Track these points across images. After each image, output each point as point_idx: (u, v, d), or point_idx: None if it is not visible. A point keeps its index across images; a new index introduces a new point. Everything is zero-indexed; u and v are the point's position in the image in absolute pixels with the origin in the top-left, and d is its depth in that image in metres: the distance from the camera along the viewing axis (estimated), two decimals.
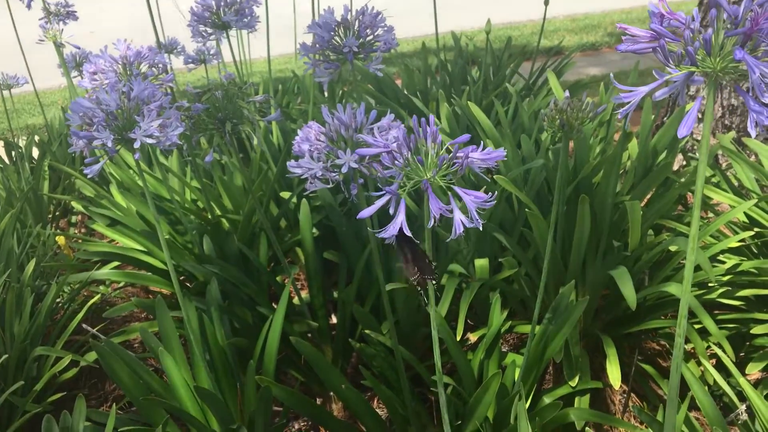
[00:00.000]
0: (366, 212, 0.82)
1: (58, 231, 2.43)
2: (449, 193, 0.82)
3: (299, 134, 1.09)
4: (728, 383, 1.40)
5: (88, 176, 1.20)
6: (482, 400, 1.29)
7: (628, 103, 0.75)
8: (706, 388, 1.51)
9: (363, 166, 1.04)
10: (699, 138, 2.42)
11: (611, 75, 0.81)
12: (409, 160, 0.82)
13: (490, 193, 0.79)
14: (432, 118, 0.85)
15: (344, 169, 1.02)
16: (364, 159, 1.02)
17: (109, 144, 1.14)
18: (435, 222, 0.81)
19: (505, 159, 0.85)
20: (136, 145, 1.15)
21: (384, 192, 0.82)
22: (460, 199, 0.80)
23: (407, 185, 0.82)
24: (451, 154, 0.82)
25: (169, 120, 1.21)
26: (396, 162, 0.84)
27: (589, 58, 5.05)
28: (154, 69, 1.65)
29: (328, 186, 1.08)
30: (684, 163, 2.34)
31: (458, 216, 0.80)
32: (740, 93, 0.70)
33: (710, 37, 0.69)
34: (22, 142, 2.91)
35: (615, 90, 2.09)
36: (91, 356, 1.72)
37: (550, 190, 1.87)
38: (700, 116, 2.46)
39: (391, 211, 0.83)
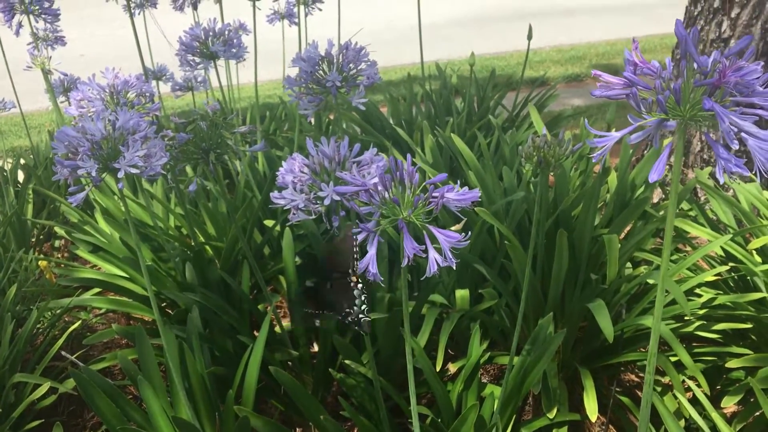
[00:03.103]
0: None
1: (41, 256, 2.43)
2: (424, 232, 0.84)
3: (284, 165, 1.11)
4: (703, 417, 1.42)
5: (73, 204, 1.21)
6: (460, 431, 1.30)
7: (603, 146, 0.78)
8: (683, 422, 1.53)
9: (345, 198, 1.06)
10: (653, 180, 2.46)
11: (585, 121, 0.83)
12: (386, 199, 0.84)
13: (463, 233, 0.81)
14: (409, 158, 0.87)
15: (326, 202, 1.04)
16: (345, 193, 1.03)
17: (93, 173, 1.16)
18: (409, 261, 0.82)
19: (480, 198, 0.87)
20: (120, 174, 1.17)
21: (361, 229, 0.84)
22: (434, 238, 0.82)
23: (383, 223, 0.84)
24: (428, 194, 0.84)
25: (154, 150, 1.22)
26: (373, 200, 0.86)
27: (573, 89, 5.13)
28: (141, 97, 1.67)
29: (311, 217, 1.10)
30: (663, 196, 2.38)
31: (432, 255, 0.82)
32: (709, 141, 0.73)
33: (680, 87, 0.72)
34: (7, 165, 2.91)
35: (594, 124, 2.13)
36: (70, 383, 1.71)
37: (531, 222, 1.89)
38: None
39: (368, 247, 0.85)
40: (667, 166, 2.47)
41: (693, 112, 0.70)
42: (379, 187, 0.85)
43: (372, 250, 0.83)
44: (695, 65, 0.73)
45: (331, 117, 3.00)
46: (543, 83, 4.29)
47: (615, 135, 0.72)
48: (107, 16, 8.19)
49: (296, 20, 3.02)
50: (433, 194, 0.84)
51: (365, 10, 7.93)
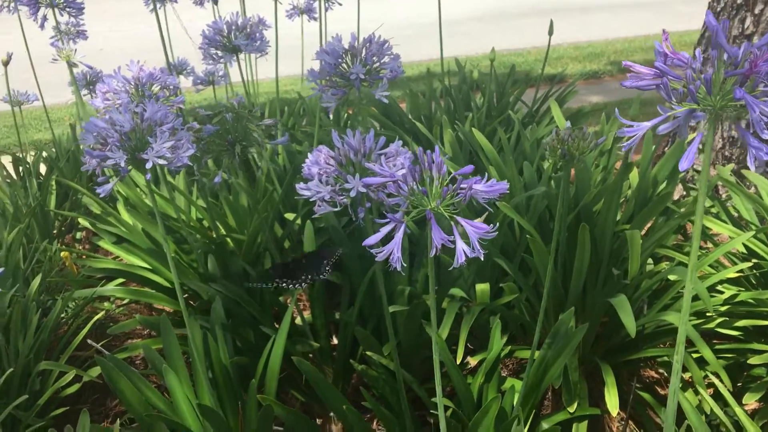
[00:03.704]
0: (372, 239, 0.85)
1: (63, 247, 2.46)
2: (452, 222, 0.84)
3: (309, 158, 1.12)
4: (725, 413, 1.42)
5: (100, 195, 1.22)
6: (482, 423, 1.31)
7: (632, 137, 0.78)
8: (703, 417, 1.53)
9: (370, 190, 1.07)
10: (699, 169, 2.46)
11: (616, 110, 0.84)
12: (414, 189, 0.85)
13: (492, 224, 0.82)
14: (437, 148, 0.88)
15: (353, 194, 1.05)
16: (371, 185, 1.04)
17: (122, 164, 1.17)
18: (437, 251, 0.83)
19: (507, 191, 0.87)
20: (148, 165, 1.18)
21: (389, 219, 0.85)
22: (463, 229, 0.83)
23: (411, 213, 0.85)
24: (455, 185, 0.85)
25: (181, 141, 1.24)
26: (401, 191, 0.87)
27: (591, 86, 5.10)
28: (165, 90, 1.69)
29: (336, 209, 1.11)
30: (684, 193, 2.37)
31: (460, 246, 0.83)
32: (739, 130, 0.73)
33: (711, 76, 0.72)
34: (29, 158, 2.94)
35: (616, 120, 2.12)
36: (94, 371, 1.74)
37: (551, 217, 1.89)
38: (700, 147, 2.50)
39: (395, 235, 0.86)
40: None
41: (723, 102, 0.70)
42: (408, 178, 0.85)
43: (398, 237, 0.84)
44: (725, 56, 0.73)
45: (350, 112, 3.01)
46: (561, 80, 4.27)
47: (646, 124, 0.72)
48: (126, 10, 8.26)
49: (315, 15, 3.04)
50: (462, 185, 0.84)
51: (381, 7, 7.93)
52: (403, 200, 0.87)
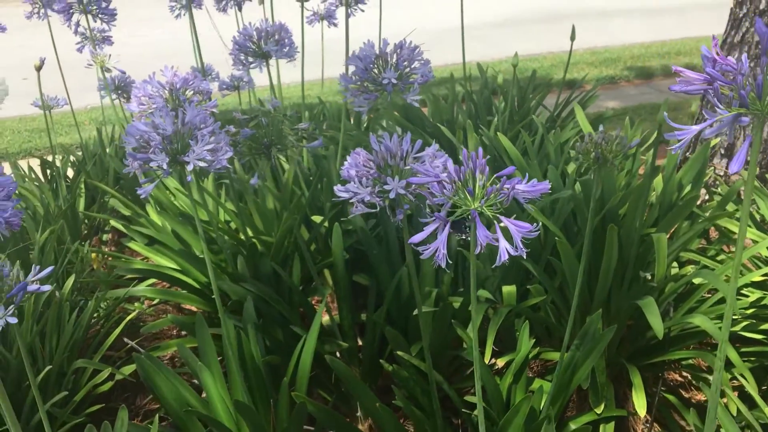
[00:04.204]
0: (417, 237, 0.87)
1: (94, 248, 2.50)
2: (495, 222, 0.87)
3: (348, 160, 1.15)
4: (752, 414, 1.43)
5: (142, 197, 1.26)
6: (512, 422, 1.33)
7: (681, 139, 0.80)
8: (731, 417, 1.54)
9: (408, 192, 1.09)
10: (720, 173, 2.47)
11: (665, 114, 0.86)
12: (459, 189, 0.87)
13: (534, 224, 0.84)
14: (480, 150, 0.90)
15: (392, 195, 1.07)
16: (410, 186, 1.07)
17: (164, 166, 1.21)
18: (482, 249, 0.86)
19: (549, 191, 0.90)
20: (189, 168, 1.21)
21: (435, 218, 0.87)
22: (505, 228, 0.85)
23: (456, 212, 0.88)
24: (499, 185, 0.87)
25: (220, 144, 1.27)
26: (445, 191, 0.90)
27: (608, 92, 5.11)
28: (198, 95, 1.73)
29: (373, 210, 1.13)
30: (707, 197, 2.38)
31: (503, 244, 0.85)
32: None
33: (762, 82, 0.74)
34: (56, 162, 2.99)
35: (641, 125, 2.14)
36: (127, 369, 1.78)
37: (575, 220, 1.91)
38: (722, 152, 2.51)
39: (438, 235, 0.88)
40: (711, 167, 2.47)
41: None
42: (453, 178, 0.88)
43: (443, 235, 0.87)
44: None
45: (371, 116, 3.04)
46: (579, 85, 4.29)
47: (694, 128, 0.75)
48: (143, 16, 8.35)
49: (335, 21, 3.07)
50: (505, 185, 0.87)
51: (399, 12, 7.97)
52: (447, 200, 0.89)
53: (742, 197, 2.41)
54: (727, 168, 2.48)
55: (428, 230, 0.88)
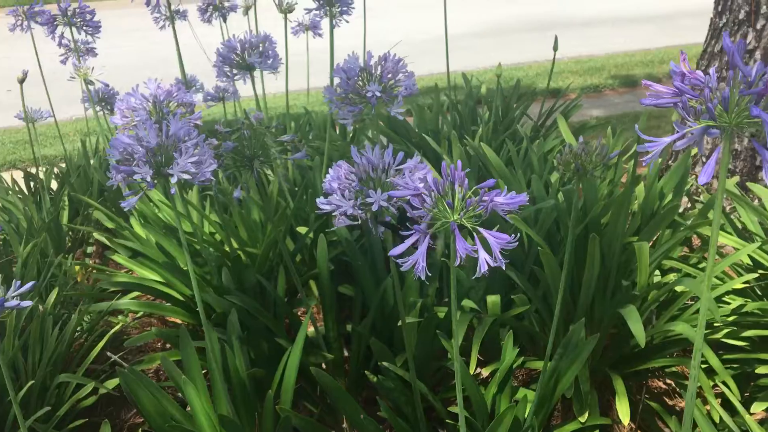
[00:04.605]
0: (397, 250, 0.88)
1: (77, 261, 2.49)
2: (474, 234, 0.88)
3: (330, 173, 1.15)
4: (733, 421, 1.44)
5: (125, 209, 1.26)
6: None
7: (652, 151, 0.81)
8: (712, 425, 1.55)
9: (391, 204, 1.10)
10: (702, 183, 2.49)
11: (636, 126, 0.87)
12: (438, 202, 0.88)
13: (513, 235, 0.85)
14: (459, 163, 0.91)
15: (374, 207, 1.08)
16: (392, 198, 1.08)
17: (148, 179, 1.21)
18: (461, 261, 0.86)
19: (527, 203, 0.91)
20: (174, 180, 1.22)
21: (414, 231, 0.88)
22: (484, 240, 0.86)
23: (435, 225, 0.88)
24: (477, 198, 0.88)
25: (204, 157, 1.27)
26: (425, 203, 0.90)
27: (593, 100, 5.15)
28: (182, 107, 1.73)
29: (356, 223, 1.14)
30: (689, 205, 2.41)
31: (483, 256, 0.86)
32: (756, 146, 0.77)
33: (728, 95, 0.75)
34: (39, 173, 2.98)
35: (622, 134, 2.16)
36: (111, 383, 1.77)
37: (558, 230, 1.93)
38: (703, 160, 2.53)
39: (419, 246, 0.89)
40: (693, 176, 2.49)
41: (739, 120, 0.74)
42: (432, 191, 0.89)
43: (422, 248, 0.87)
44: (740, 75, 0.77)
45: (356, 126, 3.04)
46: (564, 94, 4.33)
47: (664, 140, 0.76)
48: (128, 26, 8.32)
49: (320, 32, 3.09)
50: (484, 198, 0.88)
51: (379, 24, 8.01)
52: (426, 213, 0.90)
53: (725, 205, 2.43)
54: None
55: (408, 242, 0.89)
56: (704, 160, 2.52)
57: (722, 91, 0.71)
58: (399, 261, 0.88)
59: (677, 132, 0.75)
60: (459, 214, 0.87)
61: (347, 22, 2.98)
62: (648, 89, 0.76)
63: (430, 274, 0.87)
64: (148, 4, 1.77)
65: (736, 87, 0.72)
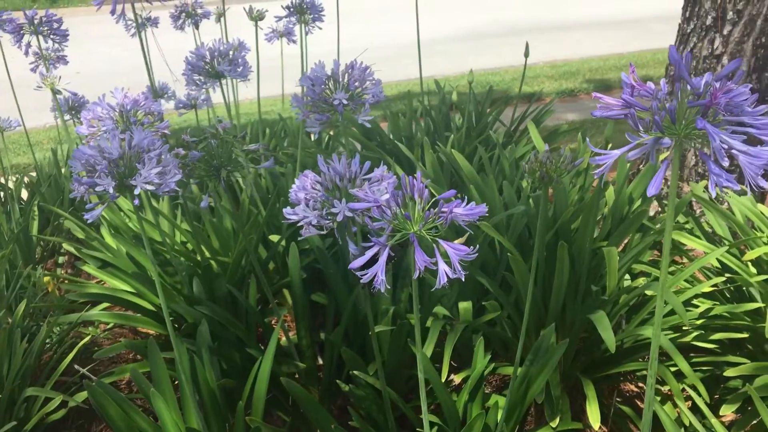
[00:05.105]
0: (357, 262, 0.88)
1: (46, 272, 2.46)
2: (434, 245, 0.88)
3: (296, 183, 1.15)
4: (703, 425, 1.46)
5: (89, 221, 1.24)
6: None
7: (604, 164, 0.82)
8: (682, 429, 1.57)
9: (356, 214, 1.10)
10: (651, 194, 2.52)
11: (587, 139, 0.88)
12: (397, 214, 0.88)
13: (472, 246, 0.85)
14: (419, 174, 0.91)
15: (339, 218, 1.08)
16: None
17: (111, 190, 1.19)
18: (420, 273, 0.86)
19: (486, 213, 0.91)
20: (137, 191, 1.20)
21: (373, 243, 0.88)
22: (444, 251, 0.86)
23: (396, 236, 0.88)
24: (437, 209, 0.88)
25: (168, 167, 1.26)
26: (385, 215, 0.90)
27: (567, 104, 5.19)
28: (149, 116, 1.71)
29: (323, 233, 1.13)
30: (660, 209, 2.43)
31: (442, 267, 0.86)
32: (702, 157, 0.78)
33: (674, 108, 0.76)
34: (9, 182, 2.94)
35: (593, 140, 2.18)
36: (80, 396, 1.74)
37: (530, 235, 1.94)
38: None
39: (379, 258, 0.89)
40: (664, 180, 2.52)
41: (687, 131, 0.75)
42: (391, 203, 0.89)
43: (382, 260, 0.87)
44: (688, 87, 0.78)
45: (332, 133, 3.04)
46: (538, 98, 4.35)
47: (615, 153, 0.77)
48: (102, 33, 8.25)
49: (294, 38, 3.08)
50: (443, 209, 0.88)
51: (359, 28, 8.01)
52: (387, 224, 0.90)
53: (694, 209, 2.46)
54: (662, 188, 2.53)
55: (369, 254, 0.88)
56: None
57: (671, 103, 0.72)
58: (359, 273, 0.88)
59: (629, 142, 0.75)
60: (418, 226, 0.87)
61: (320, 29, 2.99)
62: (598, 100, 0.77)
63: (389, 287, 0.87)
64: (113, 12, 1.75)
65: (684, 98, 0.73)
